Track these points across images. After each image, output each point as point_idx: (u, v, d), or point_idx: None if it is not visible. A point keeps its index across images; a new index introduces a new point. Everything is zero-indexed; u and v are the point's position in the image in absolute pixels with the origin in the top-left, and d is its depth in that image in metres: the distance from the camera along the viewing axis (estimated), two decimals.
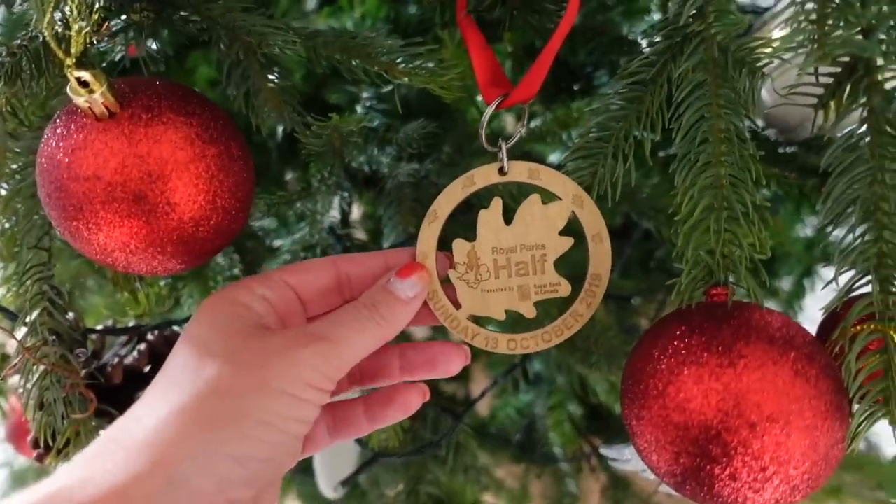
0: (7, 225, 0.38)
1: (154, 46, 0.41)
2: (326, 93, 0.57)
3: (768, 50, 0.30)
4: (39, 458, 0.41)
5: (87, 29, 0.25)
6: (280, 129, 0.60)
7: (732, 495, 0.26)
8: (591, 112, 0.35)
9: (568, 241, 0.34)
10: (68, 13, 0.25)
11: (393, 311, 0.30)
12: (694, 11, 0.32)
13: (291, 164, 0.60)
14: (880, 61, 0.27)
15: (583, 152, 0.35)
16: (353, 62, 0.35)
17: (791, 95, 0.31)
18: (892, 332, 0.26)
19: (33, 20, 0.29)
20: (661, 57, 0.34)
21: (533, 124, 0.56)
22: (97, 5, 0.25)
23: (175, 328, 0.44)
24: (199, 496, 0.24)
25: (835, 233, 0.30)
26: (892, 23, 0.24)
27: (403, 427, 0.48)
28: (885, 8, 0.25)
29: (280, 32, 0.32)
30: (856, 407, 0.27)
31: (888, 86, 0.27)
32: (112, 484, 0.23)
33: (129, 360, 0.41)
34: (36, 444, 0.40)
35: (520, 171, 0.33)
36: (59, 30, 0.25)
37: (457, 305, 0.33)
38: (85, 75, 0.26)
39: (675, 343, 0.28)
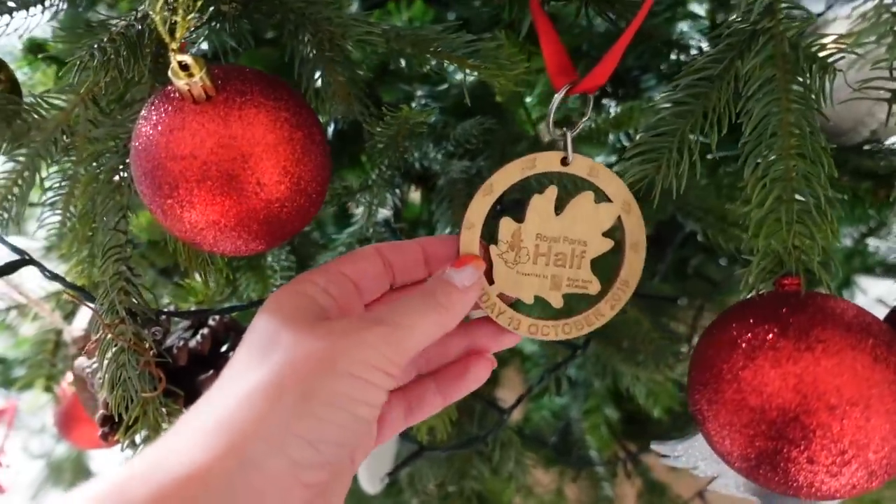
0: (83, 209, 0.40)
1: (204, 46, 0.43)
2: (380, 90, 0.58)
3: (842, 45, 0.31)
4: (105, 437, 0.43)
5: (193, 15, 0.26)
6: (331, 127, 0.61)
7: (809, 479, 0.27)
8: (651, 110, 0.36)
9: (609, 244, 0.35)
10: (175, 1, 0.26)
11: (450, 298, 0.31)
12: (762, 9, 0.33)
13: (342, 161, 0.61)
14: None
15: (647, 145, 0.35)
16: (425, 55, 0.36)
17: (853, 97, 0.31)
18: None
19: (139, 7, 0.30)
20: (728, 54, 0.35)
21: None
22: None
23: (234, 315, 0.45)
24: (272, 478, 0.25)
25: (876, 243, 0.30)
26: None
27: (451, 420, 0.49)
28: None
29: (362, 25, 0.33)
30: None
31: None
32: (185, 465, 0.24)
33: (192, 344, 0.42)
34: (104, 422, 0.41)
35: (581, 166, 0.34)
36: (167, 14, 0.26)
37: (490, 281, 0.34)
38: (187, 59, 0.27)
39: (749, 329, 0.28)
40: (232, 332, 0.45)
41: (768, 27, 0.33)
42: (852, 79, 0.33)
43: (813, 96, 0.32)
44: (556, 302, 0.34)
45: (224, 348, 0.45)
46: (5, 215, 0.40)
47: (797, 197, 0.31)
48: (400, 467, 0.53)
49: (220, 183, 0.29)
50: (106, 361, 0.36)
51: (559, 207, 0.34)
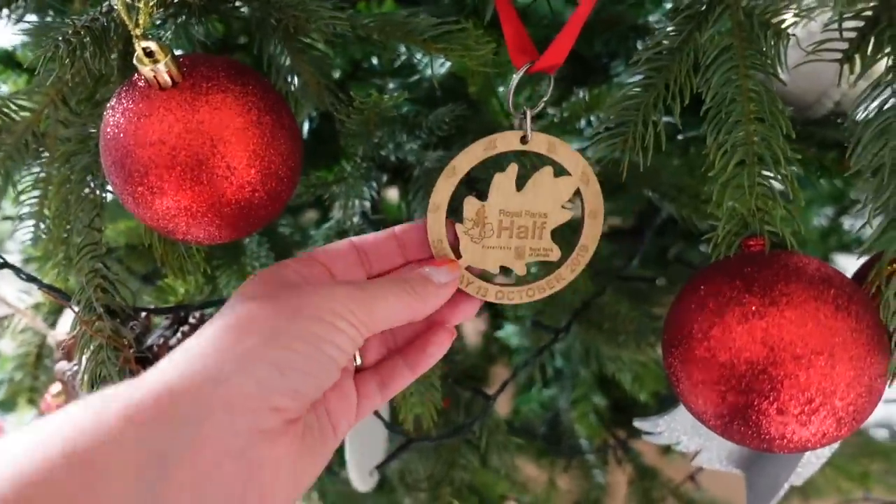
0: (57, 210, 0.40)
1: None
2: (351, 86, 0.58)
3: (793, 10, 0.32)
4: None
5: (154, 2, 0.27)
6: (306, 125, 0.62)
7: (780, 430, 0.27)
8: (617, 87, 0.37)
9: (567, 214, 0.36)
10: None
11: (425, 288, 0.32)
12: None
13: (317, 160, 0.61)
14: None
15: (614, 121, 0.36)
16: (392, 40, 0.37)
17: (808, 60, 0.32)
18: None
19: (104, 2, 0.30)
20: (686, 26, 0.36)
21: (552, 111, 0.58)
22: None
23: (215, 310, 0.45)
24: (241, 395, 0.25)
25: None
26: None
27: (437, 409, 0.49)
28: None
29: (326, 10, 0.33)
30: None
31: None
32: (159, 383, 0.25)
33: (173, 342, 0.42)
34: None
35: (539, 143, 0.35)
36: (130, 1, 0.26)
37: (458, 256, 0.35)
38: (151, 45, 0.27)
39: (717, 288, 0.29)
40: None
41: None
42: (806, 42, 0.34)
43: (769, 62, 0.33)
44: (520, 270, 0.36)
45: None
46: None
47: (758, 160, 0.32)
48: (389, 460, 0.53)
49: (189, 168, 0.29)
50: (85, 359, 0.36)
51: (521, 183, 0.35)
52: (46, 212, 0.42)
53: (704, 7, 0.35)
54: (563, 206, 0.35)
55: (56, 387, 0.64)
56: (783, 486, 0.43)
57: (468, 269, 0.35)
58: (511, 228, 0.35)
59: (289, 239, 0.54)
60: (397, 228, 0.36)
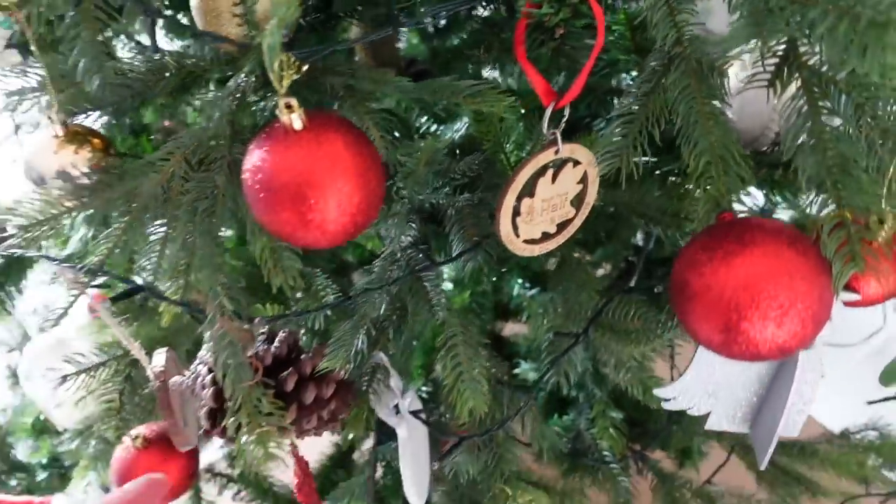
0: (181, 243, 0.50)
1: None
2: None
3: (728, 53, 0.45)
4: (207, 432, 0.51)
5: (292, 71, 0.39)
6: None
7: (763, 334, 0.37)
8: (614, 118, 0.50)
9: (579, 187, 0.50)
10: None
11: None
12: (672, 41, 0.48)
13: None
14: (802, 48, 0.42)
15: (613, 144, 0.49)
16: (438, 99, 0.49)
17: (753, 108, 0.45)
18: (847, 214, 0.39)
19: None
20: (655, 75, 0.49)
21: None
22: (293, 60, 0.39)
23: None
24: None
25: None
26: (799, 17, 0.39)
27: (487, 403, 0.58)
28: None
29: (394, 79, 0.46)
30: (835, 268, 0.39)
31: (810, 62, 0.42)
32: None
33: (274, 348, 0.52)
34: (210, 415, 0.50)
35: (566, 150, 0.49)
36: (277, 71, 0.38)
37: (517, 234, 0.50)
38: (292, 100, 0.39)
39: (705, 242, 0.40)
40: (296, 343, 0.55)
41: (679, 52, 0.47)
42: (741, 78, 0.47)
43: (718, 92, 0.46)
44: (551, 228, 0.51)
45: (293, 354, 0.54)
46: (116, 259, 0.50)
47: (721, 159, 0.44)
48: (443, 458, 0.61)
49: (314, 189, 0.40)
50: (219, 354, 0.45)
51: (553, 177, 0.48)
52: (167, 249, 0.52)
53: (667, 61, 0.48)
54: (576, 183, 0.49)
55: (137, 430, 0.72)
56: (777, 430, 0.52)
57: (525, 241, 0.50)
58: (548, 207, 0.49)
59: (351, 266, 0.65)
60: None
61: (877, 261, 0.39)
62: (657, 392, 0.55)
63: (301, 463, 0.63)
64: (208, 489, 1.08)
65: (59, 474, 1.14)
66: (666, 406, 0.55)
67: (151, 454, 0.73)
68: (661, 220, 0.68)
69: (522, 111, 0.79)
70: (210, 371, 0.51)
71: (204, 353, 0.53)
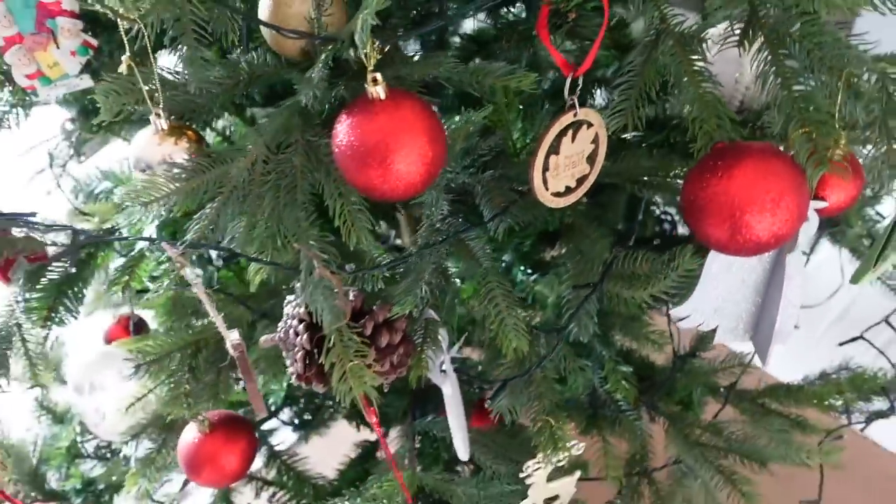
0: (270, 213, 0.58)
1: None
2: None
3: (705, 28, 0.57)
4: (301, 376, 0.58)
5: (376, 51, 0.49)
6: None
7: (762, 226, 0.48)
8: (618, 86, 0.61)
9: (592, 146, 0.61)
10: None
11: None
12: (658, 21, 0.60)
13: None
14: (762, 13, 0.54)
15: (620, 105, 0.60)
16: (477, 80, 0.60)
17: (723, 79, 0.57)
18: (811, 131, 0.51)
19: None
20: (648, 47, 0.61)
21: None
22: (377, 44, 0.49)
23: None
24: None
25: None
26: None
27: (528, 342, 0.67)
28: None
29: (449, 61, 0.56)
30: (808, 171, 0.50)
31: (769, 23, 0.54)
32: None
33: (352, 299, 0.60)
34: (305, 358, 0.58)
35: (582, 114, 0.60)
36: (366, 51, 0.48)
37: (546, 188, 0.59)
38: (377, 75, 0.49)
39: (707, 162, 0.51)
40: (364, 300, 0.64)
41: (664, 27, 0.59)
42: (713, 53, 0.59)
43: (699, 54, 0.58)
44: (573, 183, 0.61)
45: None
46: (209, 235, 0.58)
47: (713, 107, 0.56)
48: (494, 398, 0.70)
49: (398, 147, 0.50)
50: (316, 299, 0.54)
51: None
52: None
53: (654, 36, 0.61)
54: (590, 143, 0.60)
55: (203, 415, 0.78)
56: (774, 333, 0.63)
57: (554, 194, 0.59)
58: (569, 164, 0.60)
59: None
60: None
61: (841, 164, 0.51)
62: (673, 312, 0.66)
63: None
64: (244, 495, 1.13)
65: (94, 498, 1.17)
66: (681, 325, 0.66)
67: (216, 437, 0.80)
68: (650, 184, 0.80)
69: (521, 107, 0.92)
70: (301, 321, 0.59)
71: (292, 308, 0.61)
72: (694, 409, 1.02)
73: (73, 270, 0.75)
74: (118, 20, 0.53)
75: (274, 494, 1.14)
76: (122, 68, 0.54)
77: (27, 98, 0.70)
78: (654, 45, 0.60)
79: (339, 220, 0.57)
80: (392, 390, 1.07)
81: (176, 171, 0.55)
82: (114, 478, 1.15)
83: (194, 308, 0.87)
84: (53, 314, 0.77)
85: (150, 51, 0.53)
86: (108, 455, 1.19)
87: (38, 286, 0.77)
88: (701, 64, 0.57)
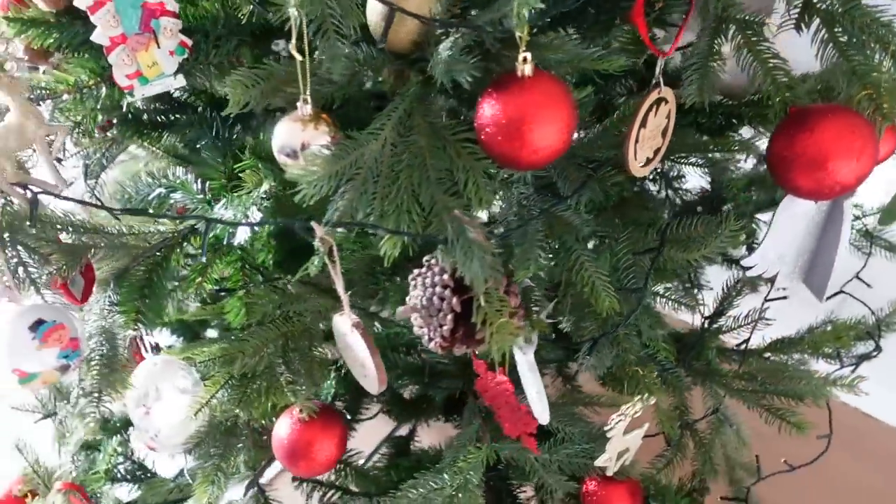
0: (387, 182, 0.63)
1: None
2: None
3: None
4: (448, 339, 0.63)
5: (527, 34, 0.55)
6: None
7: (850, 170, 0.58)
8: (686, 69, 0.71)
9: (665, 121, 0.70)
10: None
11: None
12: (722, 7, 0.70)
13: None
14: None
15: (693, 80, 0.69)
16: (572, 64, 0.67)
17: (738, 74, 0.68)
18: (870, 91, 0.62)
19: None
20: (707, 33, 0.71)
21: None
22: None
23: None
24: None
25: None
26: None
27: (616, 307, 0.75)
28: None
29: (549, 40, 0.64)
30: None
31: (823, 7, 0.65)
32: None
33: None
34: (455, 319, 0.62)
35: (664, 93, 0.68)
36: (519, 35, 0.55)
37: (635, 155, 0.67)
38: (528, 54, 0.56)
39: (790, 121, 0.61)
40: None
41: (726, 15, 0.69)
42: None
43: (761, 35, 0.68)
44: (651, 154, 0.70)
45: None
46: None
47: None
48: (590, 352, 0.77)
49: (544, 119, 0.56)
50: (470, 259, 0.59)
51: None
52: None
53: (716, 23, 0.70)
54: (664, 118, 0.69)
55: (302, 403, 0.80)
56: (833, 270, 0.73)
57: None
58: (651, 136, 0.69)
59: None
60: None
61: None
62: (744, 262, 0.75)
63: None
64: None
65: None
66: (750, 273, 0.75)
67: (314, 425, 0.82)
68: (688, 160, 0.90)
69: None
70: (445, 287, 0.63)
71: (431, 278, 0.65)
72: (714, 367, 1.13)
73: (204, 260, 0.75)
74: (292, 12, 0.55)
75: (324, 495, 1.14)
76: (294, 54, 0.57)
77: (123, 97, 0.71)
78: (716, 32, 0.70)
79: (465, 188, 0.63)
80: (447, 374, 1.12)
81: (325, 153, 0.59)
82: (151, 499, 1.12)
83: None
84: (139, 315, 0.77)
85: (305, 42, 0.57)
86: (143, 476, 1.16)
87: (122, 287, 0.77)
88: (765, 42, 0.68)
